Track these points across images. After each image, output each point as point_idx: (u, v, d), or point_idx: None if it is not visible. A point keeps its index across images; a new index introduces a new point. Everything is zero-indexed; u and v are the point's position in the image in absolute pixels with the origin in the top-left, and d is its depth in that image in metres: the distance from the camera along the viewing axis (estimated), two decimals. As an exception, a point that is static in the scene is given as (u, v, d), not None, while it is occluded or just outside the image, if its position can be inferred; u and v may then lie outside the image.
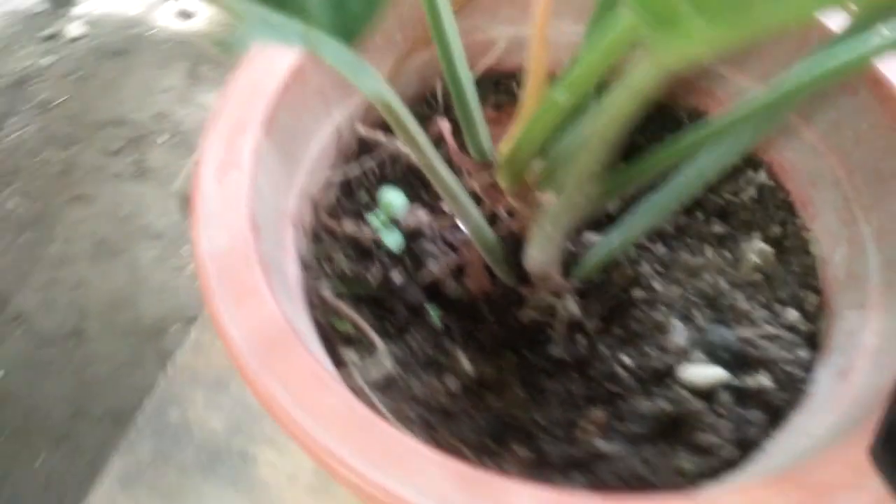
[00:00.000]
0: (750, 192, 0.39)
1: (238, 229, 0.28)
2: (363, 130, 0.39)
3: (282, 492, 0.44)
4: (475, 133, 0.34)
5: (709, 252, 0.37)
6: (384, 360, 0.33)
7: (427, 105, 0.44)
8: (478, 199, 0.34)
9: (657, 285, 0.37)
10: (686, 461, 0.31)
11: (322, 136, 0.38)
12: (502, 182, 0.33)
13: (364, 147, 0.40)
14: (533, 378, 0.35)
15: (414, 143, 0.26)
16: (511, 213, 0.36)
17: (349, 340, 0.34)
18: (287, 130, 0.34)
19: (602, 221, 0.38)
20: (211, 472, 0.45)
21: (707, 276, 0.37)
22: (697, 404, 0.32)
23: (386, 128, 0.39)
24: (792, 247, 0.37)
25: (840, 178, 0.36)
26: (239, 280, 0.26)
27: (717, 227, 0.38)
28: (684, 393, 0.32)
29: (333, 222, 0.37)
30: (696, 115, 0.42)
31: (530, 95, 0.30)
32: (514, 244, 0.35)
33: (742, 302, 0.35)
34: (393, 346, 0.34)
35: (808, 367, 0.33)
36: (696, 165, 0.32)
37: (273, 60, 0.34)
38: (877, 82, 0.33)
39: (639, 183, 0.30)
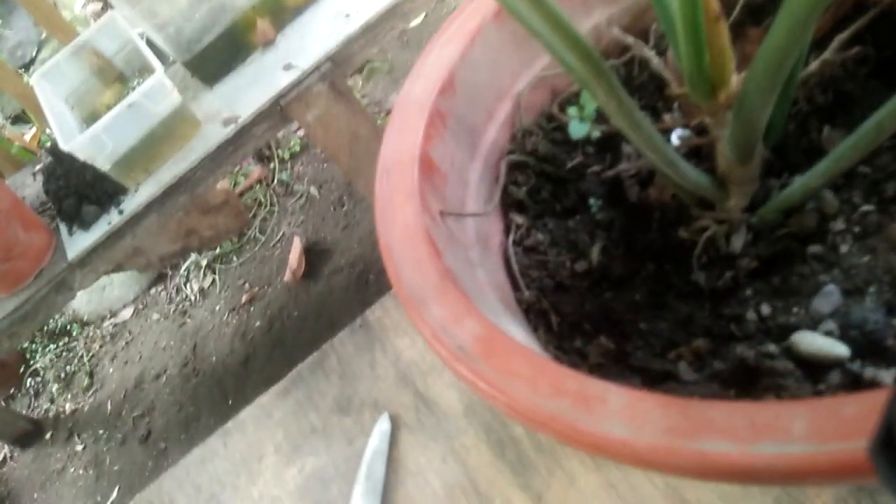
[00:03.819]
0: None
1: (432, 81, 0.37)
2: (617, 31, 0.42)
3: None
4: (678, 49, 0.34)
5: (931, 229, 0.30)
6: (538, 231, 0.39)
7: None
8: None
9: (844, 247, 0.32)
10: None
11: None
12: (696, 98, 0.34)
13: (617, 50, 0.43)
14: (662, 292, 0.36)
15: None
16: (701, 131, 0.35)
17: (520, 206, 0.40)
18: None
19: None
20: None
21: (911, 254, 0.30)
22: (787, 367, 0.29)
23: (635, 34, 0.41)
24: None
25: None
26: (408, 116, 0.36)
27: (964, 205, 0.30)
28: (779, 353, 0.30)
29: (560, 112, 0.42)
30: None
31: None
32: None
33: (933, 293, 0.29)
34: (552, 221, 0.39)
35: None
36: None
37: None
38: None
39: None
